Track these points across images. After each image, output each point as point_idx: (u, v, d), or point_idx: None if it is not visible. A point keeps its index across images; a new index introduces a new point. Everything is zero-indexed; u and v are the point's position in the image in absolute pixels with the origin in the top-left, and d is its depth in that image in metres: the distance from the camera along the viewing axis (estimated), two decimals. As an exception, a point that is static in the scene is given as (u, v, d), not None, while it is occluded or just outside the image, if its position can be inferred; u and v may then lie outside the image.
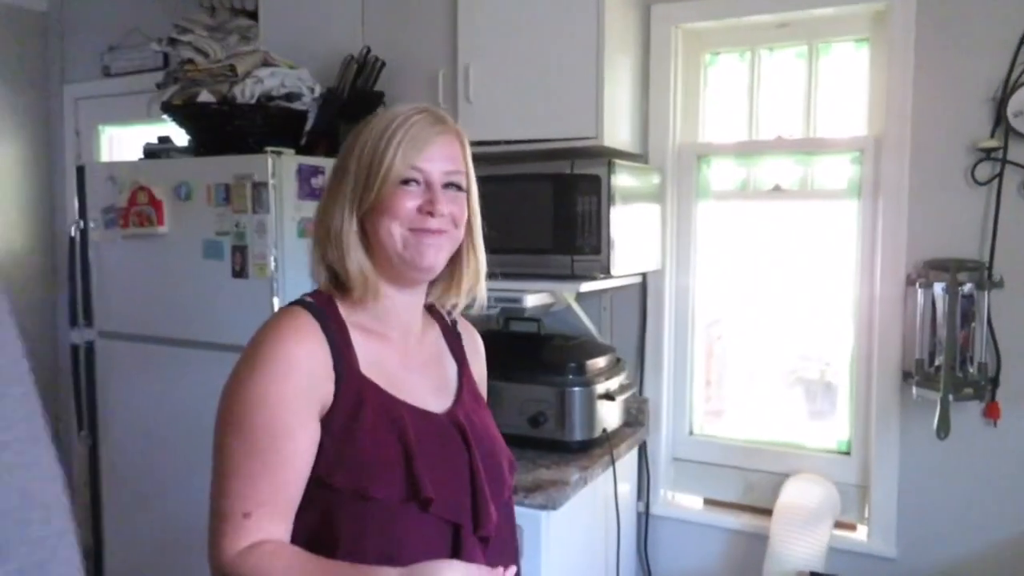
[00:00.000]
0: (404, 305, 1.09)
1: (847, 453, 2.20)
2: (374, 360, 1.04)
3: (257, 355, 0.98)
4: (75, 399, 2.46)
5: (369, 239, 1.03)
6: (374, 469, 0.97)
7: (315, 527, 0.98)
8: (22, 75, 3.52)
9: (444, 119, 1.05)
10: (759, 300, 2.34)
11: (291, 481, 0.96)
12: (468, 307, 1.16)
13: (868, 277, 2.12)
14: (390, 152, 1.00)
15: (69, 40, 3.57)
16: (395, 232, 1.01)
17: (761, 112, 2.28)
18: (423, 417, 1.04)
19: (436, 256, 1.04)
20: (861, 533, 2.16)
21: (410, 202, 1.01)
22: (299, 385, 0.96)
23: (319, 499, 0.98)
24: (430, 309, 1.18)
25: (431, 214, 1.01)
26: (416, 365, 1.10)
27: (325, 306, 1.04)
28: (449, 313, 1.21)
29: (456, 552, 1.01)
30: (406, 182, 1.01)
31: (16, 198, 3.53)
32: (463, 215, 1.06)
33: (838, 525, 2.13)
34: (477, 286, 1.13)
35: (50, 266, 3.66)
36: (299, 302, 1.05)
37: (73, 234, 2.39)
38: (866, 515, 2.15)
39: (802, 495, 2.08)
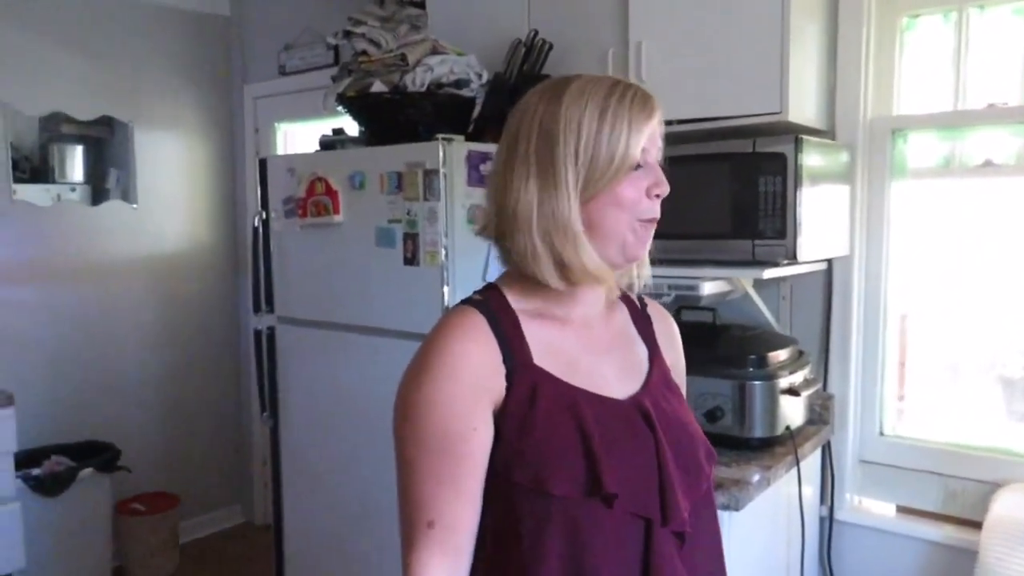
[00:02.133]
0: (593, 290, 1.03)
1: (1074, 463, 1.94)
2: (551, 347, 0.99)
3: (425, 358, 0.96)
4: (258, 382, 2.59)
5: (584, 228, 0.96)
6: (551, 463, 0.92)
7: (499, 521, 0.95)
8: (208, 77, 3.78)
9: (649, 93, 0.99)
10: (961, 289, 2.10)
11: (469, 485, 0.94)
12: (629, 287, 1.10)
13: (1104, 262, 1.86)
14: (619, 137, 0.94)
15: (248, 42, 3.79)
16: (624, 222, 0.96)
17: (969, 79, 2.04)
18: (604, 404, 0.97)
19: (645, 249, 1.01)
20: (1092, 554, 1.90)
21: (639, 188, 0.96)
22: (469, 385, 0.93)
23: (501, 494, 0.95)
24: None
25: (659, 196, 0.97)
26: (601, 348, 1.04)
27: (493, 299, 1.01)
28: (640, 297, 1.15)
29: (647, 549, 0.94)
30: (636, 167, 0.96)
31: (203, 192, 3.80)
32: None
33: (1064, 544, 1.88)
34: (645, 269, 1.08)
35: (233, 255, 3.90)
36: (467, 300, 1.02)
37: (256, 224, 2.51)
38: (1099, 534, 1.88)
39: (1021, 508, 1.85)
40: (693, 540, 1.00)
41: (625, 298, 1.14)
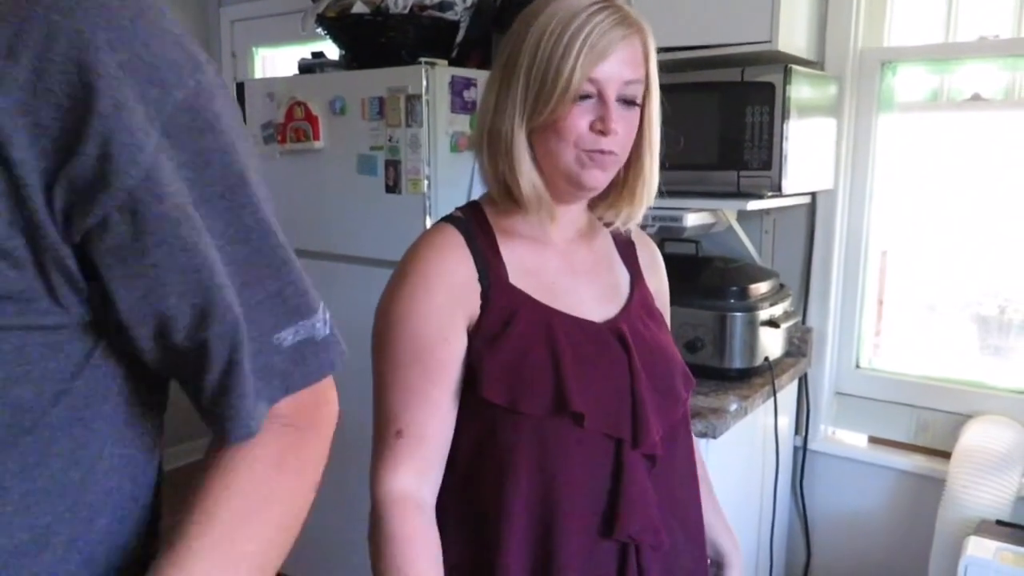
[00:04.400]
0: (564, 214, 1.03)
1: (1043, 395, 1.98)
2: (528, 267, 0.99)
3: (401, 274, 0.97)
4: (238, 310, 2.57)
5: (536, 152, 0.96)
6: (523, 382, 0.93)
7: (473, 440, 0.97)
8: (182, -2, 3.64)
9: (628, 16, 0.93)
10: (942, 227, 2.11)
11: (439, 396, 0.94)
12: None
13: (1084, 198, 1.86)
14: (568, 64, 0.89)
15: (225, -39, 3.64)
16: (564, 153, 0.93)
17: (960, 10, 2.01)
18: (579, 325, 0.98)
19: (600, 178, 0.96)
20: (1055, 483, 1.96)
21: (583, 121, 0.92)
22: (442, 298, 0.94)
23: (481, 414, 0.95)
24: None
25: (603, 133, 0.92)
26: (580, 270, 1.04)
27: (473, 218, 1.01)
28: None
29: (618, 470, 0.96)
30: (582, 97, 0.91)
31: (180, 119, 3.69)
32: (633, 133, 0.97)
33: (1028, 473, 1.93)
34: (640, 209, 1.04)
35: (211, 185, 3.82)
36: (447, 217, 1.02)
37: (234, 150, 2.46)
38: (1062, 464, 1.94)
39: (988, 437, 1.89)
40: (666, 464, 1.01)
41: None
